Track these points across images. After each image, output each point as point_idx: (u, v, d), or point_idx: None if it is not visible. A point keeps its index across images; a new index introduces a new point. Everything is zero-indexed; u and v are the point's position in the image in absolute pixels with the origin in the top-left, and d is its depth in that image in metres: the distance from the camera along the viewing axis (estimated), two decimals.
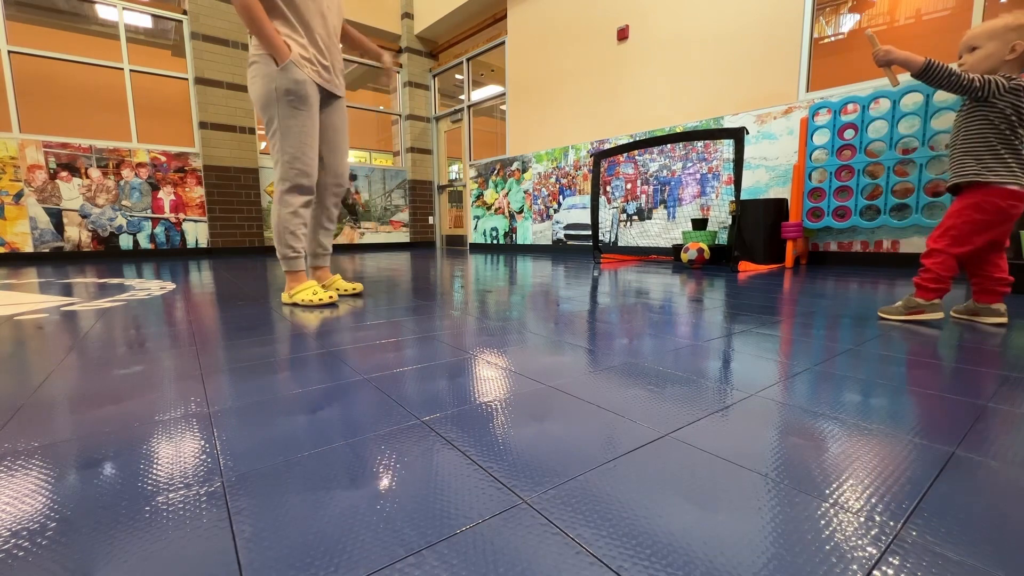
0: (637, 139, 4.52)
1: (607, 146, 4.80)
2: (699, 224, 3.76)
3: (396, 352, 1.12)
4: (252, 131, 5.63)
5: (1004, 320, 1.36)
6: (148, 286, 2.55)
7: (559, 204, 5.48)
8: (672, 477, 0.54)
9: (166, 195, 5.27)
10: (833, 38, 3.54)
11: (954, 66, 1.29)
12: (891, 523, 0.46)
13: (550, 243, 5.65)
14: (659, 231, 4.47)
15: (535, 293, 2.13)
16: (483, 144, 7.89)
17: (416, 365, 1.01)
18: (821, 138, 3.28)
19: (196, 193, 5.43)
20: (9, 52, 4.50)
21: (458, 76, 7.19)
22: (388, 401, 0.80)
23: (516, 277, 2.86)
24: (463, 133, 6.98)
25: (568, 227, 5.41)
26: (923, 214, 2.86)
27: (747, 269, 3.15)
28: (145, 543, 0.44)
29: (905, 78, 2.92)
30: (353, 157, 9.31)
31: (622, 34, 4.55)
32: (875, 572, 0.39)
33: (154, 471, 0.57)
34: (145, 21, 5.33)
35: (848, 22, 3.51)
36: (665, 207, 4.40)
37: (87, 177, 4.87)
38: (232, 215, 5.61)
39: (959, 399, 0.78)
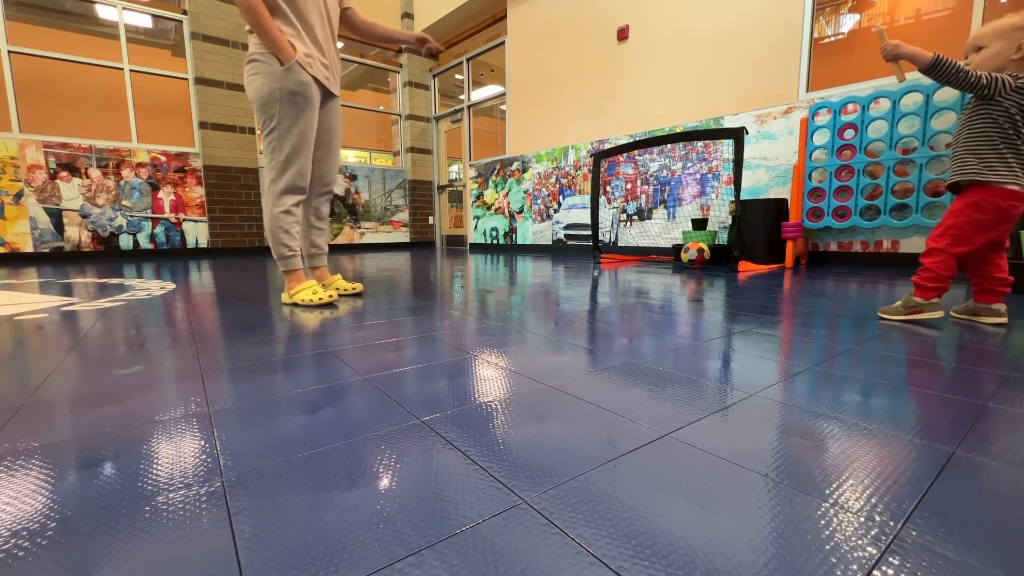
0: (637, 139, 4.52)
1: (607, 146, 4.80)
2: (699, 224, 3.76)
3: (396, 352, 1.12)
4: (252, 131, 5.63)
5: (1004, 320, 1.36)
6: (148, 286, 2.55)
7: (559, 204, 5.48)
8: (672, 477, 0.54)
9: (166, 195, 5.27)
10: (833, 38, 3.54)
11: (962, 64, 1.29)
12: (891, 523, 0.46)
13: (550, 243, 5.65)
14: (659, 231, 4.47)
15: (535, 293, 2.13)
16: (483, 144, 7.89)
17: (416, 365, 1.01)
18: (821, 138, 3.28)
19: (196, 193, 5.43)
20: (9, 52, 4.50)
21: (458, 76, 7.19)
22: (388, 401, 0.80)
23: (516, 277, 2.86)
24: (463, 133, 6.98)
25: (568, 227, 5.41)
26: (923, 214, 2.86)
27: (747, 269, 3.15)
28: (145, 543, 0.44)
29: (908, 77, 2.92)
30: (353, 157, 9.31)
31: (622, 34, 4.55)
32: (875, 572, 0.39)
33: (154, 471, 0.57)
34: (145, 21, 5.33)
35: (848, 22, 3.51)
36: (665, 207, 4.40)
37: (87, 177, 4.87)
38: (232, 215, 5.61)
39: (959, 399, 0.78)
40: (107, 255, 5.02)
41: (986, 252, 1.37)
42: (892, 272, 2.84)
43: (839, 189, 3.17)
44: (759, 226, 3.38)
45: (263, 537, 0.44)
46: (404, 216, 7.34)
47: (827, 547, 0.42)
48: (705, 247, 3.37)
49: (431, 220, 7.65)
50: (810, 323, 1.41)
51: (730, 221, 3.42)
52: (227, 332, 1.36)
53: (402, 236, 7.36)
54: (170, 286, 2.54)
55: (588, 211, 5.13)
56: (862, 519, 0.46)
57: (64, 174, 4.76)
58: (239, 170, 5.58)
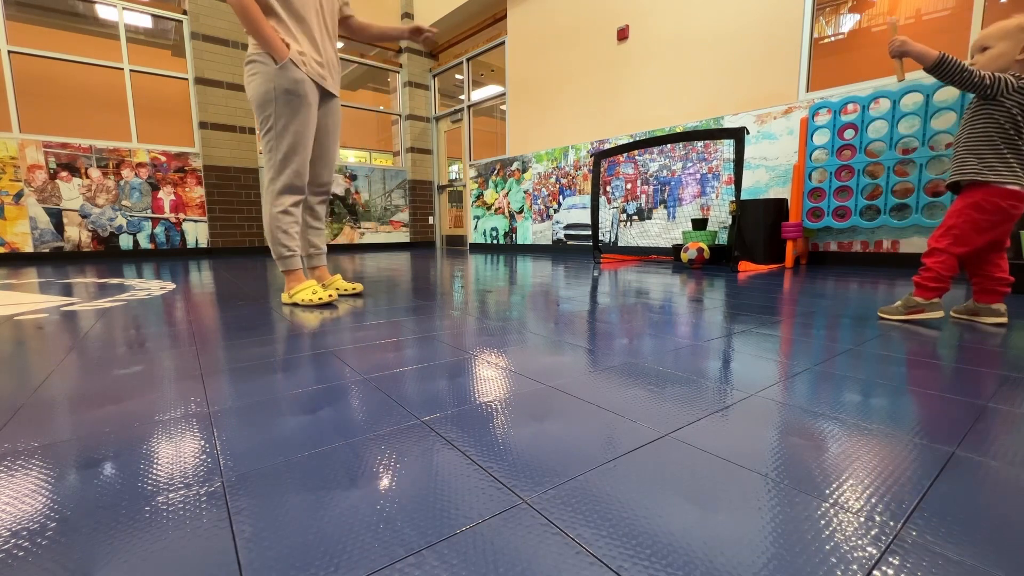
0: (637, 139, 4.52)
1: (607, 146, 4.80)
2: (699, 224, 3.76)
3: (396, 352, 1.12)
4: (252, 131, 5.63)
5: (1004, 320, 1.36)
6: (148, 286, 2.55)
7: (559, 204, 5.48)
8: (672, 477, 0.54)
9: (166, 195, 5.27)
10: (833, 38, 3.54)
11: (966, 63, 1.29)
12: (891, 523, 0.46)
13: (550, 243, 5.65)
14: (659, 231, 4.47)
15: (535, 293, 2.13)
16: (483, 144, 7.89)
17: (416, 365, 1.01)
18: (821, 138, 3.28)
19: (196, 193, 5.43)
20: (9, 52, 4.50)
21: (458, 76, 7.19)
22: (388, 401, 0.80)
23: (516, 277, 2.86)
24: (463, 133, 6.98)
25: (568, 227, 5.41)
26: (923, 214, 2.86)
27: (747, 269, 3.15)
28: (145, 543, 0.44)
29: (906, 77, 2.92)
30: (353, 157, 9.31)
31: (622, 34, 4.55)
32: (875, 572, 0.39)
33: (154, 471, 0.57)
34: (145, 21, 5.33)
35: (848, 22, 3.51)
36: (665, 207, 4.40)
37: (87, 177, 4.87)
38: (232, 215, 5.61)
39: (959, 399, 0.78)
40: (107, 255, 5.02)
41: (986, 252, 1.37)
42: (892, 272, 2.84)
43: (839, 189, 3.17)
44: (759, 226, 3.38)
45: (263, 537, 0.44)
46: (404, 216, 7.34)
47: (827, 547, 0.42)
48: (705, 247, 3.37)
49: (431, 220, 7.65)
50: (810, 323, 1.41)
51: (730, 221, 3.42)
52: (227, 332, 1.36)
53: (402, 236, 7.36)
54: (170, 286, 2.54)
55: (588, 211, 5.13)
56: (862, 519, 0.46)
57: (64, 174, 4.76)
58: (239, 170, 5.58)
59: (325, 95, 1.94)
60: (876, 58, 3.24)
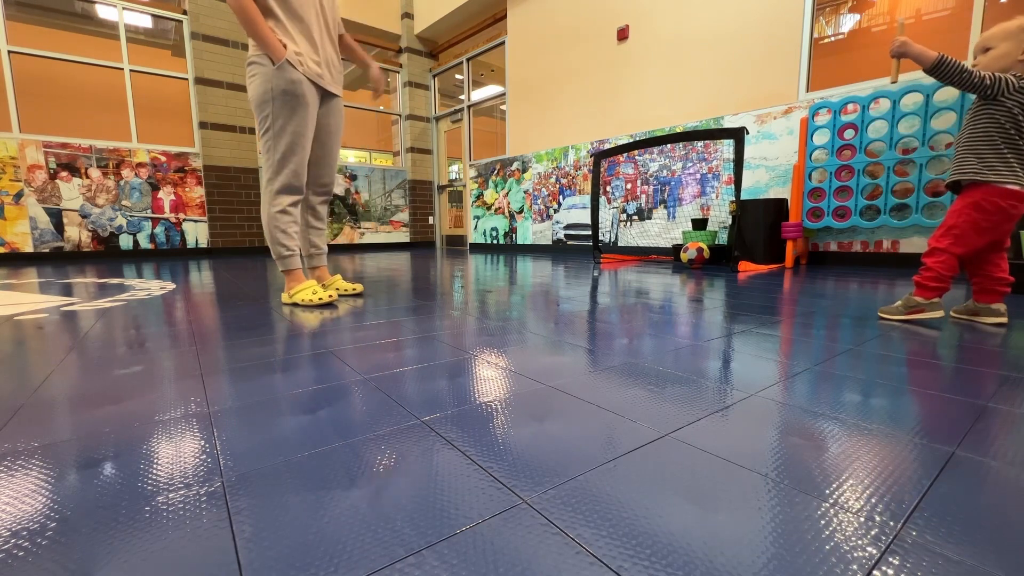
0: (637, 139, 4.52)
1: (607, 146, 4.80)
2: (699, 224, 3.76)
3: (396, 352, 1.12)
4: (252, 131, 5.63)
5: (1004, 320, 1.36)
6: (148, 286, 2.55)
7: (559, 204, 5.48)
8: (672, 477, 0.54)
9: (166, 195, 5.27)
10: (833, 38, 3.54)
11: (967, 64, 1.29)
12: (891, 523, 0.46)
13: (550, 243, 5.65)
14: (659, 231, 4.47)
15: (535, 293, 2.13)
16: (483, 144, 7.89)
17: (416, 365, 1.01)
18: (821, 138, 3.28)
19: (196, 193, 5.43)
20: (9, 52, 4.50)
21: (458, 76, 7.19)
22: (388, 401, 0.80)
23: (516, 277, 2.86)
24: (463, 133, 6.98)
25: (568, 227, 5.41)
26: (923, 214, 2.86)
27: (747, 269, 3.15)
28: (145, 543, 0.44)
29: (905, 77, 2.92)
30: (353, 157, 9.31)
31: (622, 34, 4.55)
32: (875, 572, 0.39)
33: (154, 471, 0.57)
34: (145, 21, 5.33)
35: (848, 22, 3.51)
36: (665, 207, 4.40)
37: (87, 177, 4.87)
38: (232, 215, 5.61)
39: (959, 399, 0.78)
40: (107, 255, 5.02)
41: (987, 252, 1.37)
42: (892, 272, 2.84)
43: (839, 189, 3.17)
44: (759, 226, 3.38)
45: (263, 537, 0.44)
46: (404, 216, 7.34)
47: (827, 547, 0.42)
48: (705, 247, 3.37)
49: (431, 220, 7.65)
50: (810, 323, 1.41)
51: (730, 221, 3.42)
52: (227, 332, 1.36)
53: (402, 236, 7.36)
54: (170, 286, 2.54)
55: (588, 211, 5.13)
56: (862, 519, 0.46)
57: (64, 174, 4.76)
58: (239, 170, 5.58)
59: (326, 95, 1.94)
60: (876, 58, 3.24)
